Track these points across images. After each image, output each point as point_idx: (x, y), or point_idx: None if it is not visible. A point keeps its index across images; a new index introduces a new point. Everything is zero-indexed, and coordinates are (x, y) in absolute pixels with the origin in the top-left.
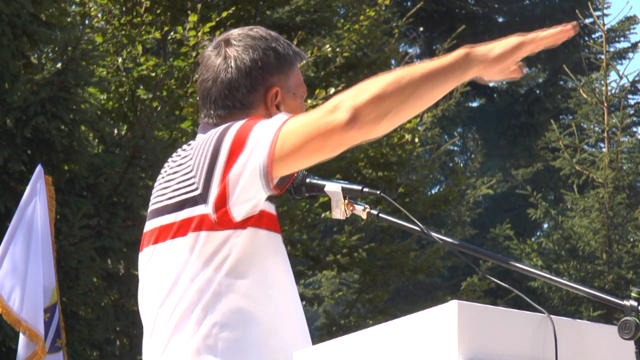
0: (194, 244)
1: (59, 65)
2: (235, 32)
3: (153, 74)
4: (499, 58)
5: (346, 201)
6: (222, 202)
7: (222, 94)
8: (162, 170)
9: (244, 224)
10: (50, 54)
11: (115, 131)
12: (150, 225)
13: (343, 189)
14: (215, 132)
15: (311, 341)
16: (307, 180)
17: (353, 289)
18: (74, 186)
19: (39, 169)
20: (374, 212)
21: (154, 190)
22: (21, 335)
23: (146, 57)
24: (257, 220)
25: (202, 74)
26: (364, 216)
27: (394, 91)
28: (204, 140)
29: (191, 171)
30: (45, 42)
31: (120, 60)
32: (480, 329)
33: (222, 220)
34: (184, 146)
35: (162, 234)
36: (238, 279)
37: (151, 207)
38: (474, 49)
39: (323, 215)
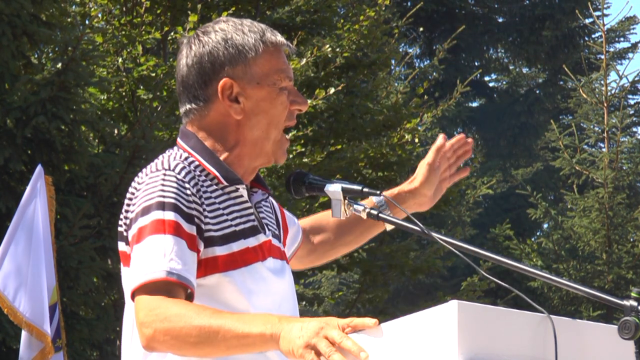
0: None
1: (59, 65)
2: (202, 27)
3: (153, 74)
4: (290, 354)
5: (346, 201)
6: None
7: (181, 91)
8: (129, 187)
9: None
10: (50, 54)
11: (115, 131)
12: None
13: (343, 189)
14: (144, 195)
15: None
16: (307, 180)
17: (353, 289)
18: (74, 186)
19: (39, 169)
20: (374, 212)
21: None
22: (23, 336)
23: (146, 57)
24: (225, 267)
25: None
26: (364, 216)
27: (193, 344)
28: (143, 189)
29: (129, 212)
30: (46, 42)
31: (120, 60)
32: (480, 329)
33: None
34: (143, 173)
35: (122, 258)
36: None
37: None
38: (277, 339)
39: None
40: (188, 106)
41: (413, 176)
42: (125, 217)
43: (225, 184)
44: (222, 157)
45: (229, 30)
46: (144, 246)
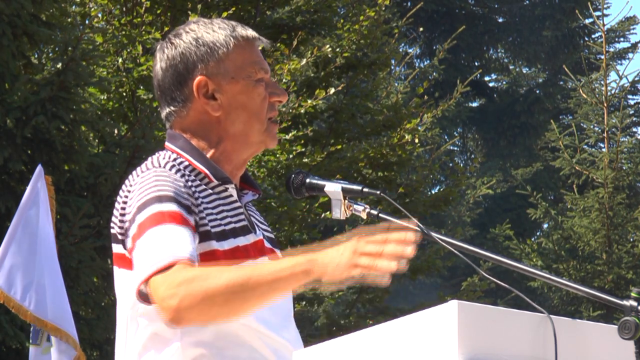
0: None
1: (59, 65)
2: (172, 32)
3: (153, 74)
4: (335, 276)
5: (346, 201)
6: None
7: (160, 96)
8: (119, 194)
9: None
10: (50, 54)
11: (115, 131)
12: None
13: (343, 189)
14: (140, 192)
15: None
16: (307, 180)
17: (353, 289)
18: (74, 186)
19: (39, 169)
20: (374, 212)
21: None
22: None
23: (146, 57)
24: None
25: None
26: (364, 216)
27: (224, 301)
28: (136, 189)
29: (126, 215)
30: (46, 42)
31: (120, 60)
32: (480, 329)
33: None
34: (134, 174)
35: (115, 259)
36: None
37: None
38: (314, 265)
39: (323, 215)
40: (167, 109)
41: None
42: (121, 221)
43: (215, 182)
44: (208, 155)
45: (199, 29)
46: (146, 239)
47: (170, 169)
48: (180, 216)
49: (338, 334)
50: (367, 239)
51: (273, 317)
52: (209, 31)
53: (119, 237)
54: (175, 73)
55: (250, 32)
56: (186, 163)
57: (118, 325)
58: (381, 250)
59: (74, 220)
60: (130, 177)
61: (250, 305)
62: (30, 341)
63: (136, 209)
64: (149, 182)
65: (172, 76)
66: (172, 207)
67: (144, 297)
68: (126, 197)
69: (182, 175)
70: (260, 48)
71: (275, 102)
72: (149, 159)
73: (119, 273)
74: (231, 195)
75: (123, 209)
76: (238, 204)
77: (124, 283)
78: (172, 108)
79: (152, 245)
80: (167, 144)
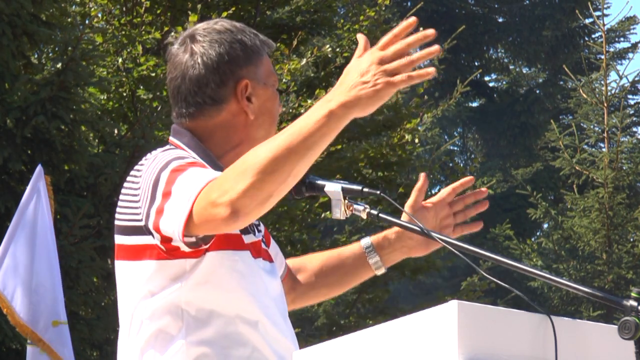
0: (146, 272)
1: (59, 65)
2: (200, 27)
3: (153, 74)
4: (368, 98)
5: (346, 201)
6: (165, 238)
7: (192, 91)
8: (125, 183)
9: (196, 253)
10: (50, 54)
11: (115, 131)
12: (115, 238)
13: (343, 189)
14: (155, 165)
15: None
16: (307, 180)
17: (353, 288)
18: (74, 186)
19: (39, 169)
20: (374, 212)
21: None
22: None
23: (146, 57)
24: (218, 244)
25: (170, 72)
26: (364, 216)
27: (272, 173)
28: (148, 169)
29: (138, 201)
30: (45, 42)
31: (120, 60)
32: (480, 329)
33: (172, 252)
34: (143, 161)
35: (120, 252)
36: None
37: (115, 221)
38: (343, 98)
39: (323, 215)
40: (198, 107)
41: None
42: (129, 208)
43: None
44: (218, 155)
45: (236, 31)
46: (175, 189)
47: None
48: (203, 165)
49: (338, 334)
50: (384, 45)
51: (274, 317)
52: (246, 35)
53: (127, 226)
54: (217, 71)
55: (271, 42)
56: (190, 159)
57: (121, 321)
58: (404, 54)
59: (74, 220)
60: (135, 169)
61: (300, 159)
62: (29, 341)
63: (153, 182)
64: (159, 158)
65: (214, 73)
66: (189, 159)
67: (188, 239)
68: (134, 183)
69: None
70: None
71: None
72: (153, 152)
73: (121, 266)
74: None
75: (134, 195)
76: None
77: (127, 276)
78: (204, 105)
79: (181, 189)
80: (171, 138)
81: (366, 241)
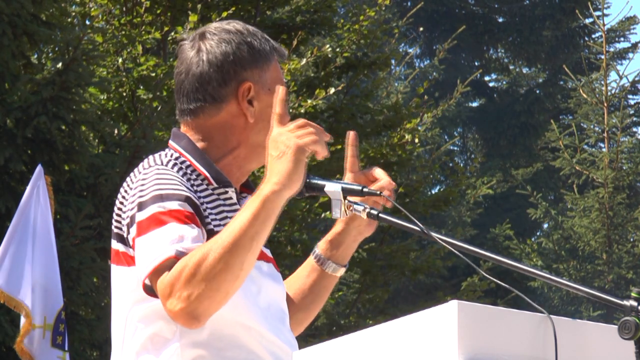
0: (134, 278)
1: (59, 65)
2: (212, 26)
3: (153, 74)
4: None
5: (346, 201)
6: None
7: (194, 87)
8: (120, 189)
9: None
10: (50, 54)
11: (115, 131)
12: (111, 242)
13: (343, 189)
14: (139, 187)
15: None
16: (307, 180)
17: (353, 289)
18: (74, 186)
19: (39, 169)
20: (374, 212)
21: None
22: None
23: (146, 57)
24: None
25: (177, 67)
26: (364, 216)
27: (225, 272)
28: (137, 186)
29: (125, 212)
30: (46, 42)
31: (120, 60)
32: (480, 329)
33: None
34: (137, 170)
35: (114, 257)
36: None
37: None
38: (273, 180)
39: (323, 215)
40: (198, 103)
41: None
42: (118, 215)
43: (215, 185)
44: (216, 158)
45: (247, 34)
46: (147, 238)
47: (172, 167)
48: (181, 213)
49: (338, 334)
50: (291, 127)
51: (269, 319)
52: (256, 39)
53: (118, 233)
54: (220, 70)
55: (284, 51)
56: (187, 163)
57: (114, 324)
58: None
59: (75, 221)
60: (131, 174)
61: (247, 253)
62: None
63: (137, 206)
64: (151, 179)
65: (217, 72)
66: (173, 205)
67: (149, 290)
68: (127, 192)
69: (184, 174)
70: None
71: None
72: (151, 156)
73: (115, 270)
74: (231, 198)
75: (123, 205)
76: (237, 206)
77: (121, 280)
78: (204, 103)
79: (152, 243)
80: (170, 142)
81: (316, 253)
